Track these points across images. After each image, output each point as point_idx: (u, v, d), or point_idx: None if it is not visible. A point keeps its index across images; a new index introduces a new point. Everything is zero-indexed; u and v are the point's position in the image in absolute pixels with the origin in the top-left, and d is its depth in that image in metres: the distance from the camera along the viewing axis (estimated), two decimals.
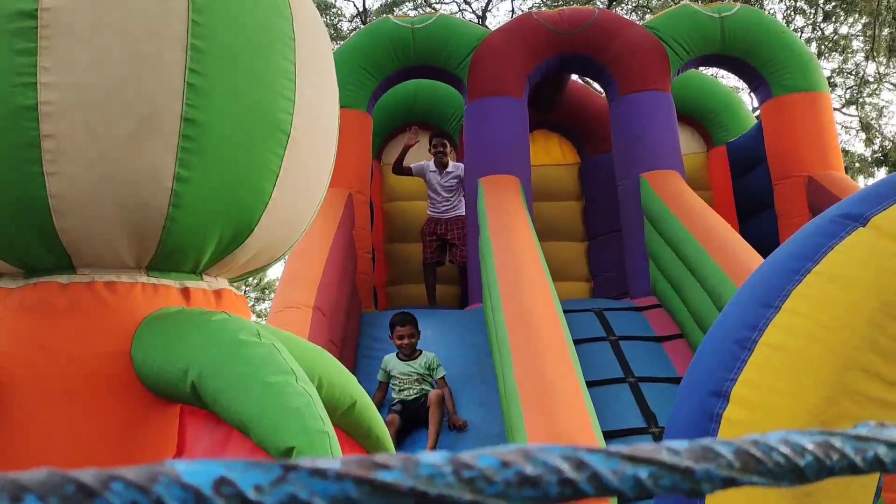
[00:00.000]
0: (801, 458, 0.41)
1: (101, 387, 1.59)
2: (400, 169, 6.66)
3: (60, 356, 1.58)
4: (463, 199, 6.54)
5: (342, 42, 16.75)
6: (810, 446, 0.41)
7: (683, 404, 1.85)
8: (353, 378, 2.20)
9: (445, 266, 6.84)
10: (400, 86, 6.99)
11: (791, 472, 0.41)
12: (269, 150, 1.71)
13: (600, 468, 0.38)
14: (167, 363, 1.55)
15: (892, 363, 1.68)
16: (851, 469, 0.43)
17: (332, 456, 1.35)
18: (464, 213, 6.48)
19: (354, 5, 19.58)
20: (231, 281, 1.94)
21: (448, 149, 6.60)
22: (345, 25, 17.63)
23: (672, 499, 1.79)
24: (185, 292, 1.72)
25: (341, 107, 6.83)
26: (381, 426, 2.24)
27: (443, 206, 6.58)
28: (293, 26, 1.77)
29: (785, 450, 0.41)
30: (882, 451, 0.44)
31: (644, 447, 0.40)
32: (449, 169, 6.57)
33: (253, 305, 18.87)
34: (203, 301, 1.74)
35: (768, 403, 1.70)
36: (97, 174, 1.56)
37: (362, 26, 16.73)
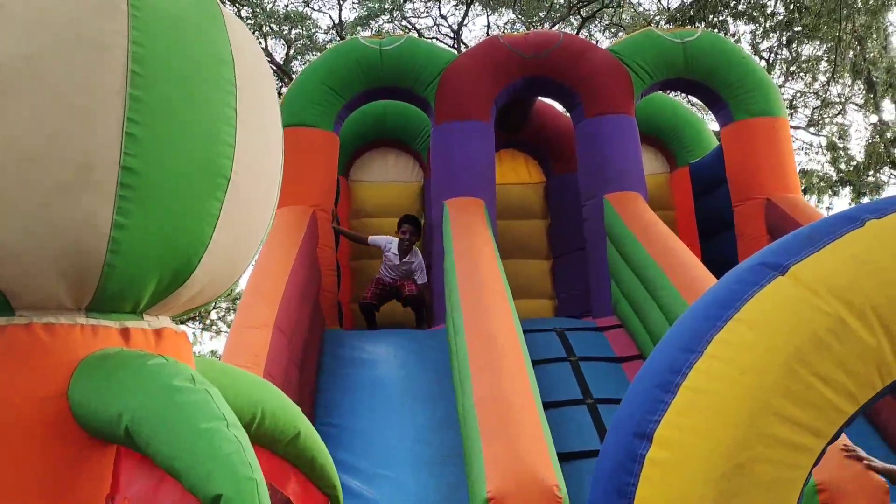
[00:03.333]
0: None
1: (37, 429, 1.61)
2: (346, 235, 6.77)
3: None
4: (416, 275, 6.55)
5: (318, 53, 16.79)
6: None
7: (610, 444, 1.91)
8: (297, 408, 2.24)
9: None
10: (370, 104, 7.04)
11: None
12: (208, 194, 1.75)
13: None
14: (103, 406, 1.59)
15: (804, 408, 1.75)
16: None
17: (259, 501, 1.40)
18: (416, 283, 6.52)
19: (330, 17, 19.60)
20: (175, 317, 1.97)
21: (415, 237, 6.55)
22: (320, 36, 17.65)
23: (602, 495, 1.85)
24: (125, 333, 1.75)
25: (307, 126, 6.84)
26: (324, 455, 2.28)
27: (397, 281, 6.53)
28: (235, 72, 1.81)
29: None
30: None
31: None
32: (409, 259, 6.51)
33: (223, 316, 18.78)
34: (143, 341, 1.77)
35: (688, 445, 1.77)
36: (33, 223, 1.59)
37: (338, 38, 16.76)
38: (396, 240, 6.53)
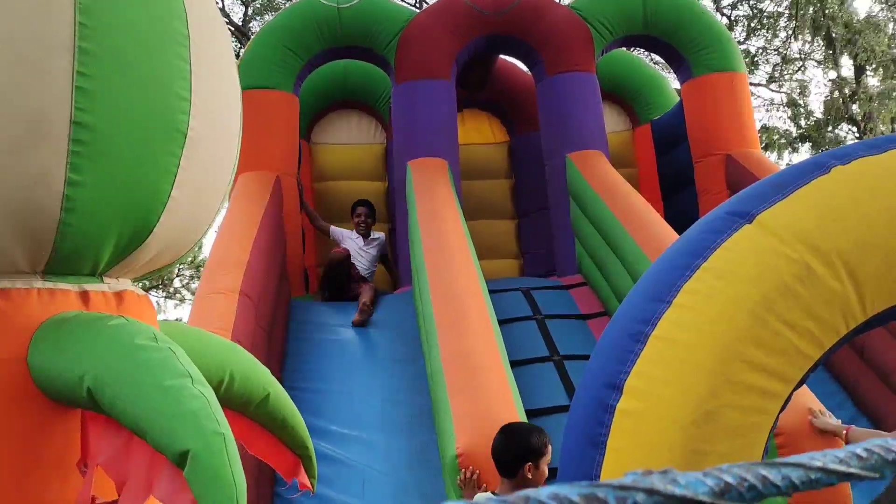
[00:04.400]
0: None
1: None
2: (314, 223, 6.52)
3: None
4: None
5: (275, 14, 16.45)
6: (576, 498, 0.46)
7: (582, 395, 1.92)
8: (267, 371, 2.22)
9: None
10: (330, 64, 6.93)
11: None
12: (165, 150, 1.70)
13: None
14: (63, 369, 1.55)
15: (771, 354, 1.77)
16: None
17: (228, 456, 1.38)
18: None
19: None
20: (136, 280, 1.93)
21: (370, 219, 6.33)
22: None
23: (574, 446, 1.86)
24: (84, 296, 1.71)
25: (266, 88, 6.70)
26: (295, 416, 2.26)
27: (364, 270, 6.22)
28: (188, 24, 1.75)
29: (551, 503, 0.45)
30: (641, 497, 0.48)
31: None
32: (373, 237, 6.33)
33: (187, 283, 18.56)
34: (103, 304, 1.73)
35: (658, 395, 1.78)
36: None
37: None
38: (351, 231, 6.35)
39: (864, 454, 0.60)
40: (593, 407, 1.83)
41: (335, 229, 6.39)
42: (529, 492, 0.46)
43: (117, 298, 1.76)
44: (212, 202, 1.89)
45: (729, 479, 0.53)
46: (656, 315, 1.81)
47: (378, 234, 6.38)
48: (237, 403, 2.05)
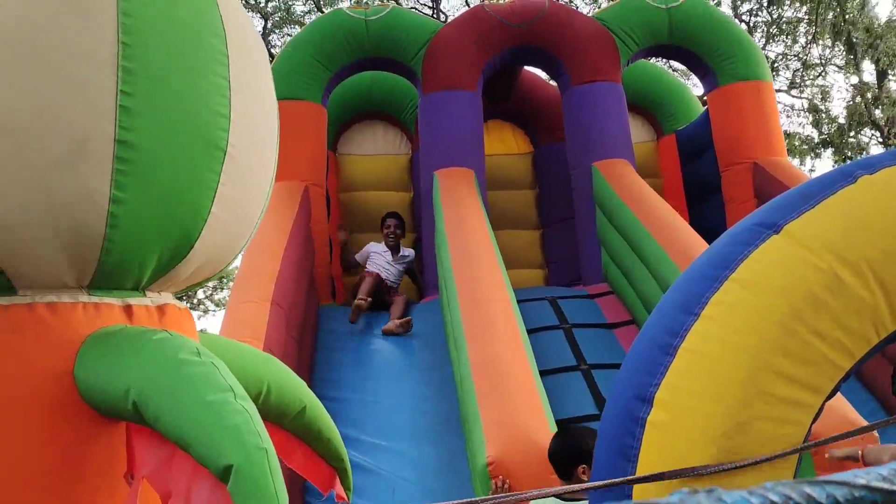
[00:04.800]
0: None
1: (45, 408, 1.62)
2: (348, 263, 6.48)
3: (3, 379, 1.61)
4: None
5: (295, 26, 16.58)
6: None
7: (612, 408, 1.93)
8: (302, 382, 2.25)
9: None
10: (356, 76, 7.00)
11: None
12: (205, 167, 1.74)
13: None
14: (109, 382, 1.59)
15: (800, 364, 1.77)
16: None
17: (270, 470, 1.42)
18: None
19: None
20: (176, 294, 1.98)
21: (400, 230, 6.31)
22: (298, 8, 17.42)
23: (606, 459, 1.87)
24: (128, 310, 1.75)
25: (295, 99, 6.78)
26: (331, 428, 2.29)
27: (392, 283, 6.19)
28: (226, 42, 1.80)
29: None
30: None
31: None
32: (403, 253, 6.31)
33: (211, 294, 18.71)
34: (146, 318, 1.77)
35: (688, 407, 1.78)
36: (30, 198, 1.59)
37: (316, 10, 16.55)
38: (381, 244, 6.33)
39: None
40: (624, 419, 1.84)
41: (363, 252, 6.36)
42: None
43: (159, 312, 1.81)
44: (250, 216, 1.94)
45: (774, 498, 0.54)
46: (685, 327, 1.82)
47: (408, 252, 6.38)
48: (274, 416, 2.09)
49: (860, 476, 0.58)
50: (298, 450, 2.20)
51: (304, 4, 17.34)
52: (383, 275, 6.15)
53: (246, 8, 16.56)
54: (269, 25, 17.35)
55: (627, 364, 1.94)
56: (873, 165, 1.92)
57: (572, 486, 2.12)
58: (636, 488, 1.80)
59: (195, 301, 18.77)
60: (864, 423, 3.35)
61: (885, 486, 0.59)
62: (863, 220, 1.85)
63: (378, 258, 6.26)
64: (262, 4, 17.08)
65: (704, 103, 7.09)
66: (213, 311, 18.28)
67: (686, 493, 0.52)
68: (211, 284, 18.73)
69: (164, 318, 1.81)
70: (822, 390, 1.79)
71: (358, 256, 6.37)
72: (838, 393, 2.97)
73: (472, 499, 2.13)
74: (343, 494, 2.30)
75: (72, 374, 1.64)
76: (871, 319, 1.80)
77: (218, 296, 18.49)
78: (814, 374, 1.77)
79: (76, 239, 1.64)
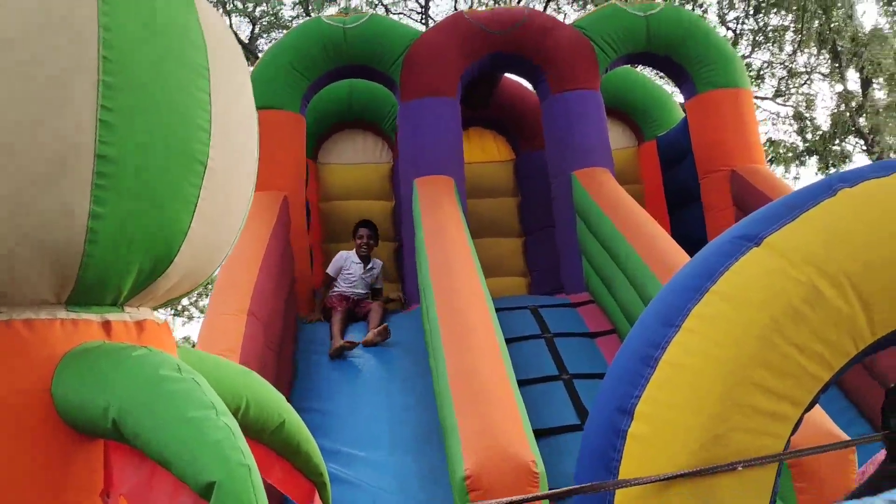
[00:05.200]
0: None
1: (22, 426, 1.59)
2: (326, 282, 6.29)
3: None
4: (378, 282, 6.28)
5: (284, 31, 16.52)
6: None
7: (595, 419, 1.94)
8: (281, 397, 2.24)
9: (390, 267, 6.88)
10: (335, 84, 6.99)
11: None
12: (185, 181, 1.73)
13: None
14: (88, 400, 1.57)
15: (779, 377, 1.78)
16: None
17: (253, 487, 1.40)
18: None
19: None
20: (156, 307, 1.96)
21: (373, 241, 6.26)
22: (286, 13, 17.38)
23: (589, 471, 1.87)
24: (107, 325, 1.73)
25: (273, 108, 6.75)
26: (310, 442, 2.28)
27: (360, 293, 6.14)
28: (207, 55, 1.78)
29: None
30: None
31: None
32: (372, 266, 6.25)
33: (195, 301, 18.59)
34: (124, 334, 1.75)
35: (668, 419, 1.79)
36: (8, 214, 1.56)
37: (304, 14, 16.52)
38: (351, 252, 6.26)
39: None
40: (606, 431, 1.85)
41: (334, 264, 6.23)
42: None
43: (138, 328, 1.79)
44: (230, 229, 1.92)
45: None
46: (666, 339, 1.84)
47: (376, 263, 6.30)
48: (253, 431, 2.07)
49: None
50: (277, 464, 2.19)
51: (293, 9, 17.31)
52: (354, 291, 6.09)
53: (234, 12, 16.50)
54: (256, 30, 17.29)
55: (610, 375, 1.95)
56: (854, 178, 1.94)
57: (555, 490, 2.11)
58: (617, 501, 1.81)
59: (179, 308, 18.65)
60: (843, 435, 3.37)
61: None
62: (843, 232, 1.87)
63: (351, 271, 6.18)
64: (251, 9, 17.03)
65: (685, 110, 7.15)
66: (198, 317, 18.18)
67: None
68: (196, 291, 18.56)
69: (143, 334, 1.79)
70: (800, 402, 1.81)
71: (330, 270, 6.26)
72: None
73: None
74: None
75: (49, 392, 1.62)
76: (850, 332, 1.82)
77: (202, 302, 18.39)
78: (793, 386, 1.79)
79: (55, 255, 1.62)
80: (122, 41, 1.64)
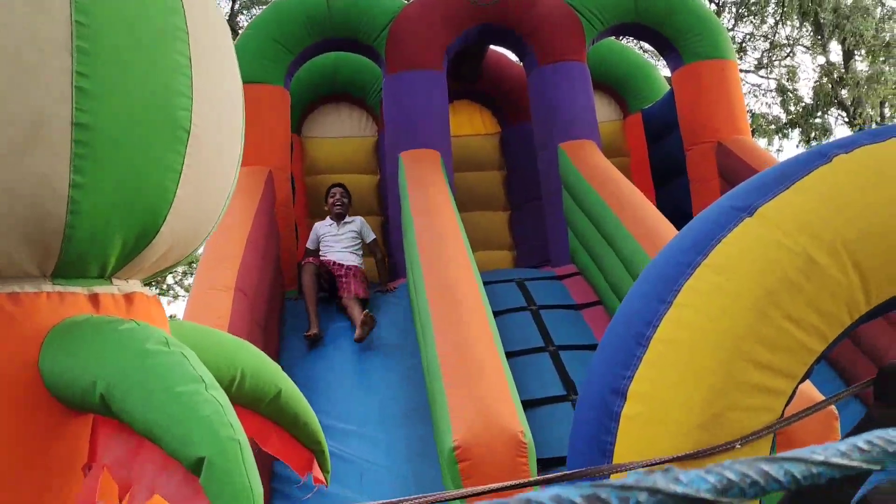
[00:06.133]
0: None
1: (9, 401, 1.56)
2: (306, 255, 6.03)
3: None
4: (364, 233, 6.06)
5: (262, 7, 16.31)
6: (578, 499, 0.47)
7: (586, 402, 1.89)
8: (278, 367, 2.22)
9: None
10: (319, 57, 6.92)
11: None
12: (169, 148, 1.69)
13: None
14: (75, 375, 1.54)
15: (775, 351, 1.74)
16: None
17: (244, 462, 1.39)
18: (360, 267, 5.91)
19: None
20: (145, 280, 1.93)
21: (346, 199, 6.11)
22: None
23: (582, 455, 1.85)
24: (94, 298, 1.70)
25: (257, 82, 6.66)
26: (307, 411, 2.26)
27: (338, 255, 5.87)
28: (185, 19, 1.73)
29: None
30: (643, 497, 0.49)
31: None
32: (347, 220, 6.04)
33: (180, 280, 18.50)
34: (113, 307, 1.72)
35: (662, 398, 1.75)
36: None
37: None
38: (326, 219, 6.12)
39: (865, 446, 0.60)
40: (598, 415, 1.80)
41: (312, 237, 6.08)
42: (531, 495, 0.47)
43: (127, 300, 1.75)
44: (217, 198, 1.89)
45: (731, 476, 0.54)
46: (657, 316, 1.78)
47: (354, 219, 6.08)
48: (248, 401, 2.05)
49: (818, 452, 0.57)
50: (274, 434, 2.17)
51: None
52: (335, 257, 5.89)
53: None
54: (236, 7, 17.06)
55: (600, 356, 1.91)
56: (850, 145, 1.89)
57: (547, 476, 2.11)
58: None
59: (164, 287, 18.54)
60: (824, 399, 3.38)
61: (844, 461, 0.58)
62: (839, 199, 1.82)
63: (326, 234, 6.00)
64: None
65: (671, 83, 7.13)
66: (183, 296, 18.10)
67: (643, 472, 0.52)
68: (180, 270, 18.51)
69: (132, 307, 1.76)
70: (795, 375, 1.77)
71: (309, 244, 6.12)
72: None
73: (442, 492, 2.12)
74: (321, 477, 2.28)
75: (36, 366, 1.59)
76: (845, 301, 1.78)
77: (188, 281, 18.30)
78: (787, 359, 1.75)
79: (36, 226, 1.58)
80: (96, 5, 1.59)
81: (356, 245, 6.07)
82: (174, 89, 1.70)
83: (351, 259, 5.96)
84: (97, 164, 1.60)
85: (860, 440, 0.62)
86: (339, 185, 6.29)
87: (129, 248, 1.72)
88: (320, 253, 6.02)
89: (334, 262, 5.87)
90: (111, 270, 1.74)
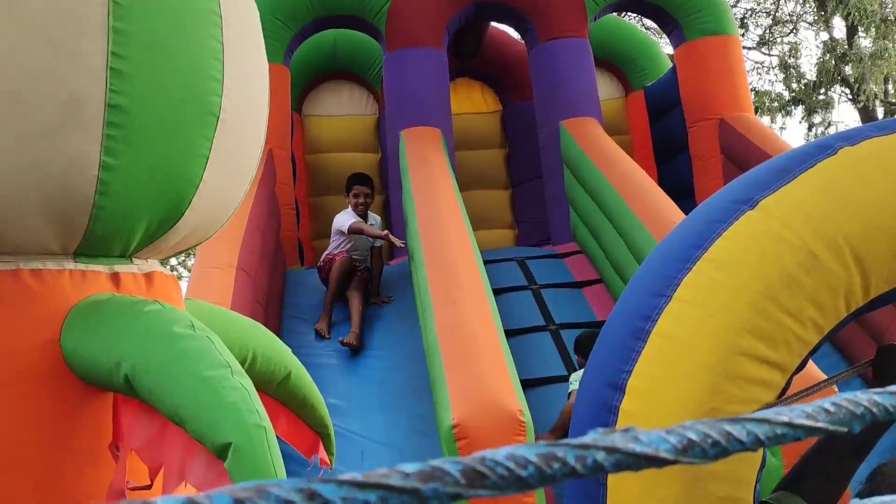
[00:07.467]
0: (523, 469, 0.46)
1: (30, 377, 1.57)
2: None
3: None
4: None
5: None
6: (533, 458, 0.46)
7: (585, 396, 1.88)
8: (287, 349, 2.24)
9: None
10: (318, 35, 6.88)
11: (514, 483, 0.46)
12: (198, 133, 1.68)
13: (331, 497, 0.43)
14: (99, 354, 1.54)
15: (773, 346, 1.72)
16: (573, 474, 0.48)
17: (269, 449, 1.41)
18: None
19: None
20: (163, 260, 1.95)
21: (370, 199, 5.77)
22: None
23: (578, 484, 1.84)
24: (115, 277, 1.70)
25: None
26: (315, 394, 2.28)
27: (358, 253, 5.70)
28: (220, 2, 1.72)
29: (509, 464, 0.46)
30: (601, 456, 0.49)
31: (376, 473, 0.45)
32: (370, 222, 5.75)
33: (184, 261, 18.52)
34: (133, 286, 1.72)
35: (660, 393, 1.74)
36: (17, 164, 1.52)
37: None
38: (347, 211, 5.74)
39: (831, 408, 0.59)
40: (597, 408, 1.78)
41: (349, 227, 5.66)
42: (486, 453, 0.47)
43: (147, 280, 1.76)
44: (241, 183, 1.89)
45: (692, 436, 0.52)
46: (657, 311, 1.75)
47: (374, 219, 5.90)
48: (259, 382, 2.03)
49: (783, 413, 0.56)
50: (283, 416, 2.19)
51: None
52: (355, 255, 5.70)
53: None
54: None
55: (599, 349, 1.90)
56: (855, 137, 1.85)
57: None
58: (610, 481, 1.77)
59: (168, 267, 18.56)
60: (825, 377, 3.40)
61: (808, 423, 0.57)
62: (843, 193, 1.78)
63: (352, 236, 5.68)
64: None
65: (673, 61, 7.09)
66: (186, 277, 18.15)
67: (601, 431, 0.51)
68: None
69: (152, 286, 1.76)
70: (790, 368, 1.76)
71: (344, 229, 5.66)
72: None
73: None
74: (327, 460, 2.31)
75: (58, 344, 1.59)
76: (844, 295, 1.75)
77: (190, 262, 18.32)
78: (784, 353, 1.72)
79: (64, 206, 1.58)
80: None
81: (370, 245, 5.89)
82: (206, 74, 1.69)
83: (367, 260, 5.83)
84: (128, 146, 1.59)
85: (827, 402, 0.60)
86: (364, 182, 5.80)
87: (152, 231, 1.72)
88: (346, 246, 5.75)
89: (354, 259, 5.70)
90: (133, 250, 1.75)
